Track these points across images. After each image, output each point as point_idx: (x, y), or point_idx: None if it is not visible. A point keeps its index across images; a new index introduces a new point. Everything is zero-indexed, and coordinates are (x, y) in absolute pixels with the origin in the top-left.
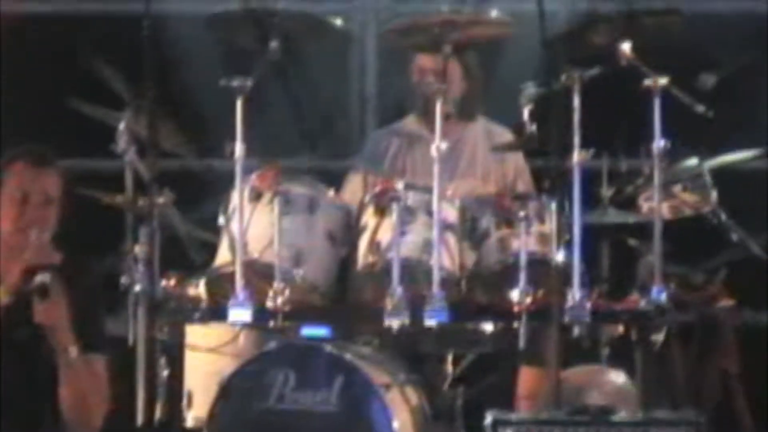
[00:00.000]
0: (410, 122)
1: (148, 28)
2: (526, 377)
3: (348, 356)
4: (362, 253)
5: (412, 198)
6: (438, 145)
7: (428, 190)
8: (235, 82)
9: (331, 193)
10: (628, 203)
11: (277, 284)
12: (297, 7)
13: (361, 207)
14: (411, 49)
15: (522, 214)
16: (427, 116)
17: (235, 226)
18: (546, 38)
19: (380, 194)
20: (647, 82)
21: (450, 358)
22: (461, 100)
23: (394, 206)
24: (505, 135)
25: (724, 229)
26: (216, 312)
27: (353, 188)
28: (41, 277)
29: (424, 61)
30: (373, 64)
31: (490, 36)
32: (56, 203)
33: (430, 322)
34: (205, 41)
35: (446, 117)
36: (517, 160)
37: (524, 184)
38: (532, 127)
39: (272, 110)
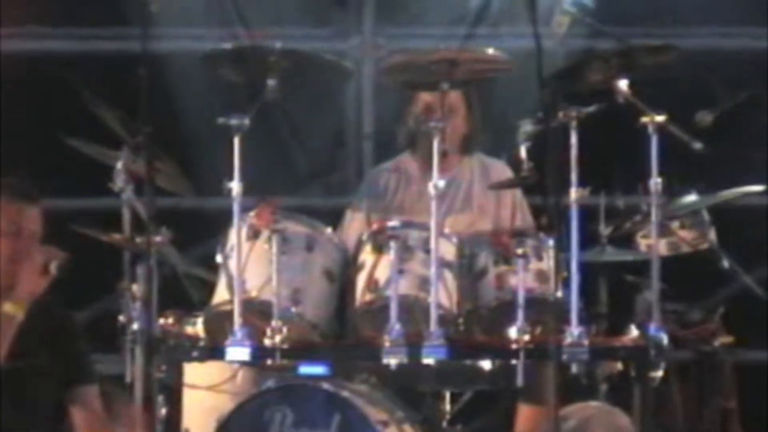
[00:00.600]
0: (406, 160)
1: (144, 66)
2: (525, 415)
3: (345, 394)
4: (360, 291)
5: (409, 235)
6: (435, 183)
7: (426, 227)
8: (233, 121)
9: (328, 231)
10: (626, 240)
11: (275, 322)
12: (293, 46)
13: (359, 245)
14: (409, 86)
15: (520, 251)
16: (424, 153)
17: (233, 264)
18: (543, 75)
19: (378, 232)
20: (644, 119)
21: (448, 395)
22: (463, 137)
23: (392, 244)
24: (501, 169)
25: (722, 266)
26: (214, 350)
27: (351, 226)
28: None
29: (429, 98)
30: (370, 101)
31: (490, 72)
32: (38, 240)
33: (427, 359)
34: (202, 79)
35: (444, 154)
36: (514, 195)
37: (522, 219)
38: (530, 164)
39: (270, 148)
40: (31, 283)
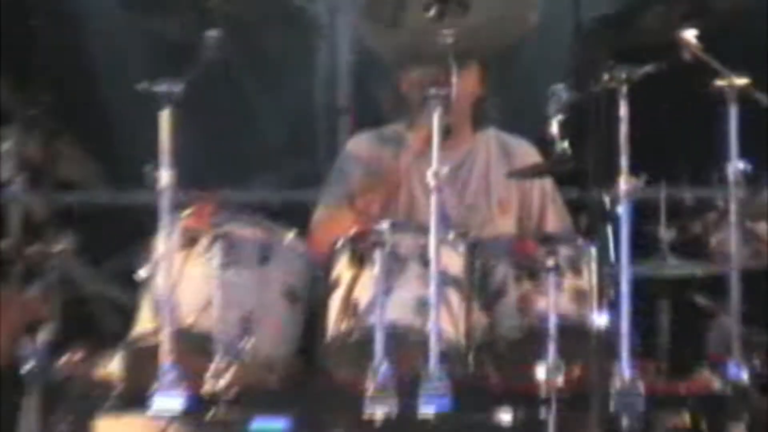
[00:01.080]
0: (399, 128)
1: (39, 14)
2: None
3: None
4: (334, 318)
5: (401, 241)
6: (435, 171)
7: (423, 230)
8: (161, 87)
9: (290, 236)
10: (695, 248)
11: (218, 361)
12: None
13: (333, 254)
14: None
15: (551, 262)
16: (422, 129)
17: (160, 281)
18: (581, 24)
19: (358, 237)
20: (720, 82)
21: None
22: (476, 102)
23: (377, 253)
24: (526, 151)
25: None
26: (135, 400)
27: (321, 229)
28: None
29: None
30: (347, 63)
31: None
32: None
33: (425, 410)
34: (120, 32)
35: (447, 131)
36: (543, 187)
37: (555, 220)
38: (564, 145)
39: (212, 125)
40: None
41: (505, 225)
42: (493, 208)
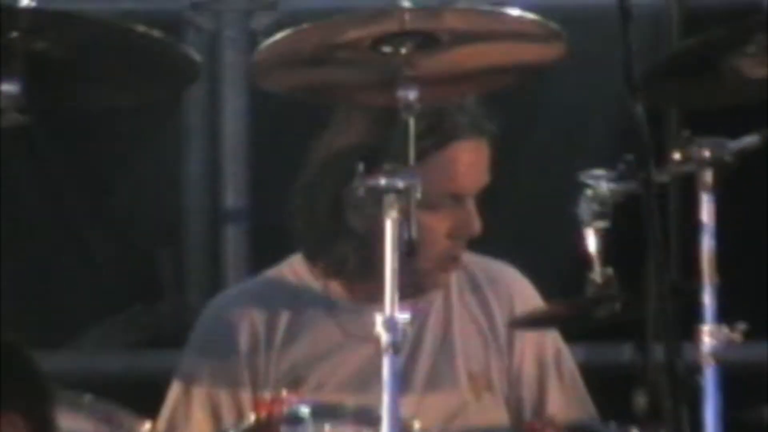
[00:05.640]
0: (296, 267)
1: None
2: None
3: None
4: None
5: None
6: (391, 319)
7: (364, 414)
8: None
9: (142, 430)
10: None
11: None
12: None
13: None
14: (325, 100)
15: None
16: (362, 268)
17: None
18: (634, 67)
19: (260, 428)
20: None
21: None
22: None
23: None
24: (520, 284)
25: None
26: None
27: (185, 415)
28: None
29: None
30: (238, 131)
31: (514, 67)
32: None
33: None
34: None
35: (410, 250)
36: (541, 334)
37: (562, 403)
38: (608, 272)
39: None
40: None
41: (485, 412)
42: (463, 382)
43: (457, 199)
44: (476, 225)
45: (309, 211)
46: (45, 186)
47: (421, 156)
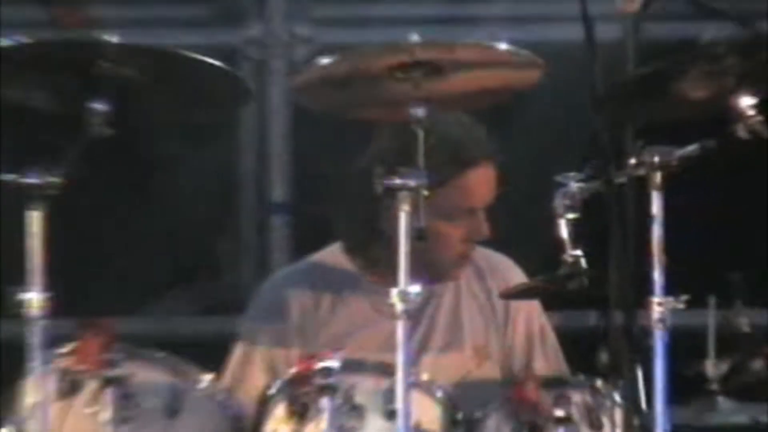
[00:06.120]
0: (336, 255)
1: None
2: None
3: None
4: None
5: (357, 385)
6: (403, 290)
7: (386, 370)
8: (29, 179)
9: (206, 379)
10: (754, 389)
11: None
12: (144, 39)
13: (264, 404)
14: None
15: (561, 413)
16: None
17: None
18: (599, 88)
19: (298, 379)
20: None
21: None
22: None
23: (325, 402)
24: (507, 266)
25: None
26: None
27: (247, 371)
28: None
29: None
30: (283, 141)
31: (502, 89)
32: None
33: None
34: None
35: (419, 236)
36: (529, 313)
37: (548, 358)
38: (576, 253)
39: (98, 230)
40: None
41: (488, 368)
42: (468, 347)
43: (470, 211)
44: (485, 231)
45: (350, 215)
46: (129, 179)
47: (443, 182)
